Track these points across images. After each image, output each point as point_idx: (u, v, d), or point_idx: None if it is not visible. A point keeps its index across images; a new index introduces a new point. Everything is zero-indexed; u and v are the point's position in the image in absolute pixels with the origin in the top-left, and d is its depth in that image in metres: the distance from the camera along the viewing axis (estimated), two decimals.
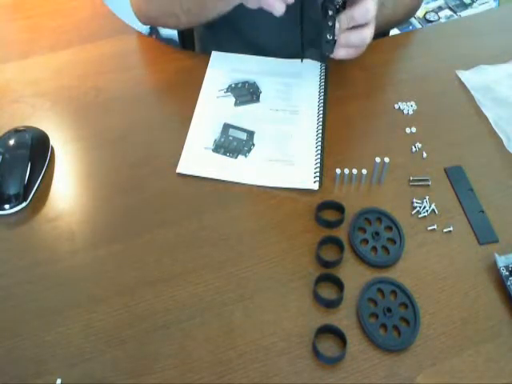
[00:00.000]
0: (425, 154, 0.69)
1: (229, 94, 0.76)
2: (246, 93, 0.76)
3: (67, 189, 0.68)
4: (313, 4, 0.67)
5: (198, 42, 1.04)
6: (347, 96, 0.77)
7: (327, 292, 0.57)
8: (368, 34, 0.68)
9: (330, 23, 0.66)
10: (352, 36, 0.67)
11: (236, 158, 0.69)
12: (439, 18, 1.98)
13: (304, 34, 0.70)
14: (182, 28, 0.92)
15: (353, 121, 0.74)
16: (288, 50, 0.87)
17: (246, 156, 0.69)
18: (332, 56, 0.69)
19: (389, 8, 0.79)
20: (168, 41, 1.27)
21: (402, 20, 0.89)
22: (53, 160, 0.70)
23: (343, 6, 0.67)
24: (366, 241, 0.61)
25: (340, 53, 0.69)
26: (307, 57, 0.71)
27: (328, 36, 0.67)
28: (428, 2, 2.03)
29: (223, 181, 0.66)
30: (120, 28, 0.88)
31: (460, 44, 0.84)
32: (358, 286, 0.57)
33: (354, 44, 0.68)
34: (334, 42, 0.67)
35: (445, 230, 0.62)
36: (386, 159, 0.64)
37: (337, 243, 0.60)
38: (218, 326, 0.55)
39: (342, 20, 0.66)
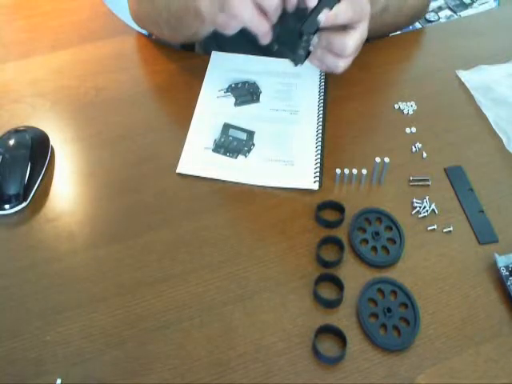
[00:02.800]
0: (425, 154, 0.69)
1: (229, 94, 0.76)
2: (246, 93, 0.76)
3: (67, 189, 0.68)
4: (294, 15, 0.64)
5: (198, 42, 1.04)
6: (347, 96, 0.77)
7: (327, 292, 0.57)
8: (341, 64, 0.66)
9: (304, 44, 0.64)
10: (327, 57, 0.66)
11: (236, 158, 0.69)
12: (439, 17, 1.98)
13: (280, 31, 0.66)
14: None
15: (353, 121, 0.74)
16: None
17: (245, 156, 0.69)
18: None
19: (392, 13, 0.78)
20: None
21: (409, 23, 0.87)
22: (53, 160, 0.70)
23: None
24: (365, 241, 0.61)
25: (313, 62, 0.67)
26: (279, 51, 0.69)
27: (300, 51, 0.65)
28: None
29: (223, 181, 0.66)
30: (120, 28, 0.88)
31: (460, 44, 0.84)
32: (358, 285, 0.57)
33: (326, 64, 0.67)
34: (307, 55, 0.66)
35: (445, 230, 0.62)
36: (386, 159, 0.64)
37: (337, 243, 0.60)
38: (217, 326, 0.55)
39: (322, 39, 0.64)
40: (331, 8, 0.61)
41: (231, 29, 0.66)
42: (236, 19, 0.63)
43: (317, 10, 0.61)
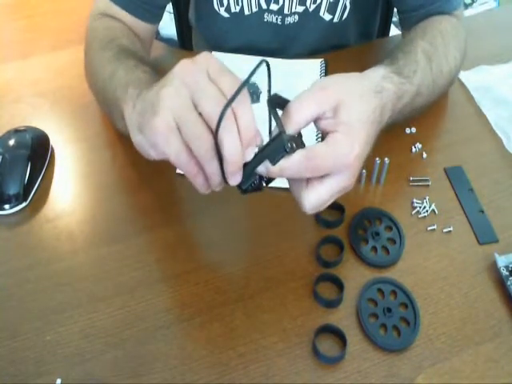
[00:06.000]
0: (425, 154, 0.69)
1: None
2: None
3: (67, 189, 0.68)
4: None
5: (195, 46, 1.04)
6: None
7: (327, 292, 0.57)
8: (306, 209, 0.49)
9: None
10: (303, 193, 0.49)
11: None
12: None
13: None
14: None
15: None
16: (287, 51, 0.87)
17: None
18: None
19: (424, 96, 0.66)
20: (168, 41, 1.27)
21: (434, 102, 0.72)
22: (53, 160, 0.70)
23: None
24: (365, 241, 0.61)
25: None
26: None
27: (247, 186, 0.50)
28: None
29: None
30: None
31: None
32: (357, 285, 0.57)
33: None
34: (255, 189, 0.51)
35: (445, 230, 0.62)
36: (386, 159, 0.64)
37: (337, 243, 0.60)
38: (217, 326, 0.55)
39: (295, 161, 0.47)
40: (276, 160, 0.47)
41: (149, 156, 0.51)
42: (156, 149, 0.49)
43: (255, 160, 0.48)
